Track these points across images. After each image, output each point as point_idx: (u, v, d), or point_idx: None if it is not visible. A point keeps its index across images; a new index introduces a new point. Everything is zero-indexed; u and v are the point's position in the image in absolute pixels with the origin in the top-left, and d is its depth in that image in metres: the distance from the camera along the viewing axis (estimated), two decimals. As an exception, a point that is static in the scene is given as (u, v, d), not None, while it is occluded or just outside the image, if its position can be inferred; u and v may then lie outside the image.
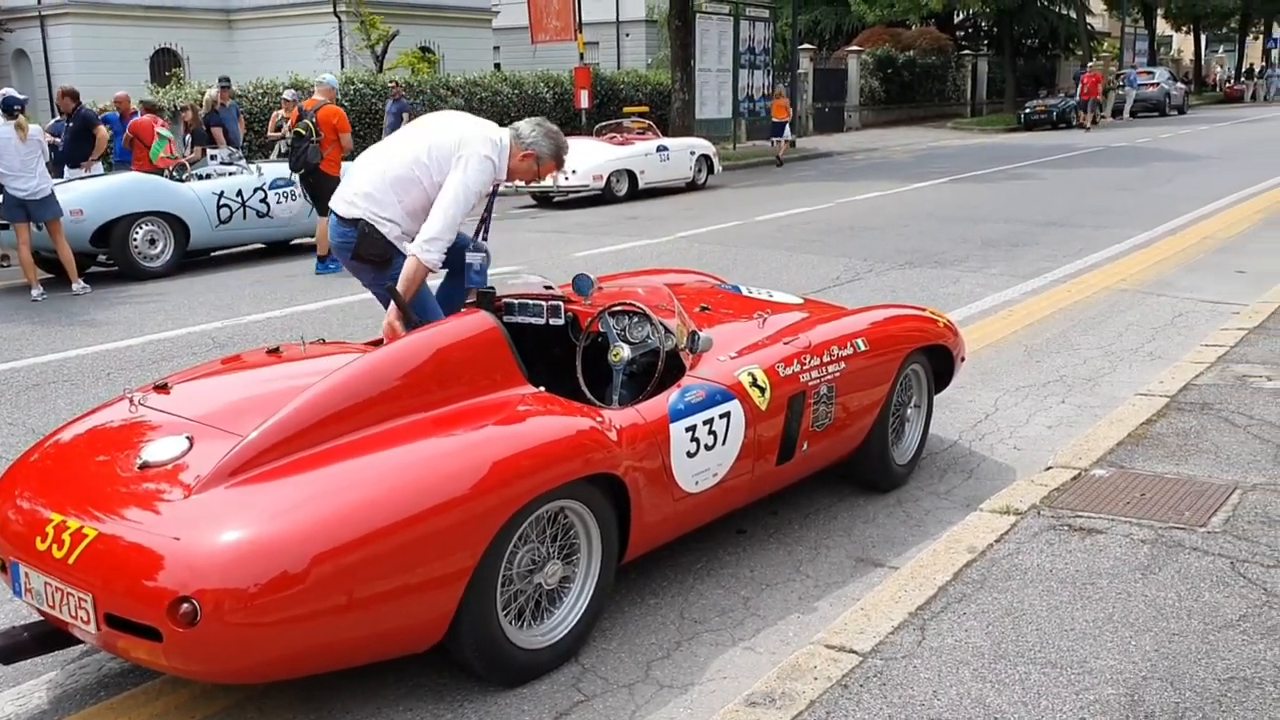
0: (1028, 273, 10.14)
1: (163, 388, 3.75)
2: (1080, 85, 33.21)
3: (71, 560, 3.02)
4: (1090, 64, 34.44)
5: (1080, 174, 19.60)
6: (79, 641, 3.32)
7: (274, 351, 4.13)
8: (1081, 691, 3.08)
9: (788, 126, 24.55)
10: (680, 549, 4.37)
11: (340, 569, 2.98)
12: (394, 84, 17.00)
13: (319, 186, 10.60)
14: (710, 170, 19.26)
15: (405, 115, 16.34)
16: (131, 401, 3.68)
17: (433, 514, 3.13)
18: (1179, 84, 44.34)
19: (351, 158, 10.89)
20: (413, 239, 4.54)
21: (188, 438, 3.34)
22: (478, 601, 3.26)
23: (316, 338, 4.47)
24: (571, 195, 17.23)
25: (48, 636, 3.35)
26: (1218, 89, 56.05)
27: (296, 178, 11.34)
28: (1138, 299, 8.97)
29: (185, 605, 2.81)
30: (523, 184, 4.88)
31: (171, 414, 3.55)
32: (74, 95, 13.08)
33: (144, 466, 3.25)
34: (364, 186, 4.73)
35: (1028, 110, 33.73)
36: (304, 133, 10.69)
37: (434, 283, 4.85)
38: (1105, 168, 20.57)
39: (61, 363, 7.71)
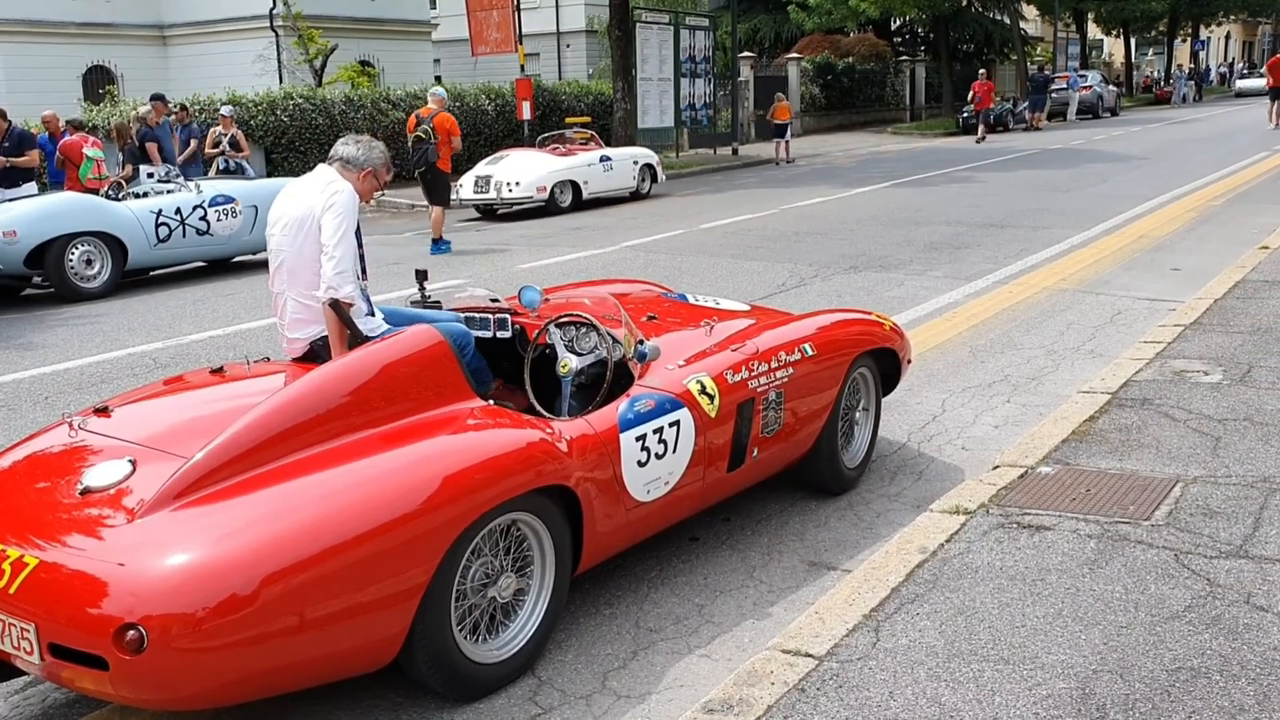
0: (970, 274, 10.27)
1: (103, 411, 3.69)
2: (972, 94, 31.64)
3: (12, 590, 2.96)
4: (980, 72, 33.86)
5: (1018, 176, 19.88)
6: (22, 673, 3.25)
7: (218, 371, 4.08)
8: (1034, 687, 3.12)
9: (788, 128, 25.56)
10: (634, 558, 4.37)
11: (291, 589, 2.94)
12: (180, 110, 15.85)
13: (435, 181, 13.19)
14: (654, 179, 19.29)
15: (193, 140, 15.62)
16: (71, 426, 3.62)
17: (384, 531, 3.11)
18: (1111, 87, 45.19)
19: (460, 162, 15.15)
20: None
21: (130, 461, 3.29)
22: (431, 617, 3.24)
23: (261, 356, 4.42)
24: (515, 207, 17.18)
25: (-10, 668, 3.27)
26: (1152, 91, 57.13)
27: (415, 173, 13.45)
28: (1077, 298, 9.11)
29: (131, 632, 2.76)
30: (371, 203, 4.87)
31: (113, 437, 3.49)
32: (3, 114, 12.81)
33: (86, 492, 3.20)
34: (289, 314, 4.68)
35: (965, 114, 34.14)
36: (423, 136, 12.96)
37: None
38: (1042, 169, 20.87)
39: (-3, 388, 7.55)
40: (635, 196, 18.79)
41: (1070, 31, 56.55)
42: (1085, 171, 20.07)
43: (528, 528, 3.58)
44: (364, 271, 4.86)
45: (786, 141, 25.52)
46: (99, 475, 3.25)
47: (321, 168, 4.71)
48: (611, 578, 4.26)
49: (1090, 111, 40.30)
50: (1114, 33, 61.37)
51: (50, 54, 29.72)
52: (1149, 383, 6.07)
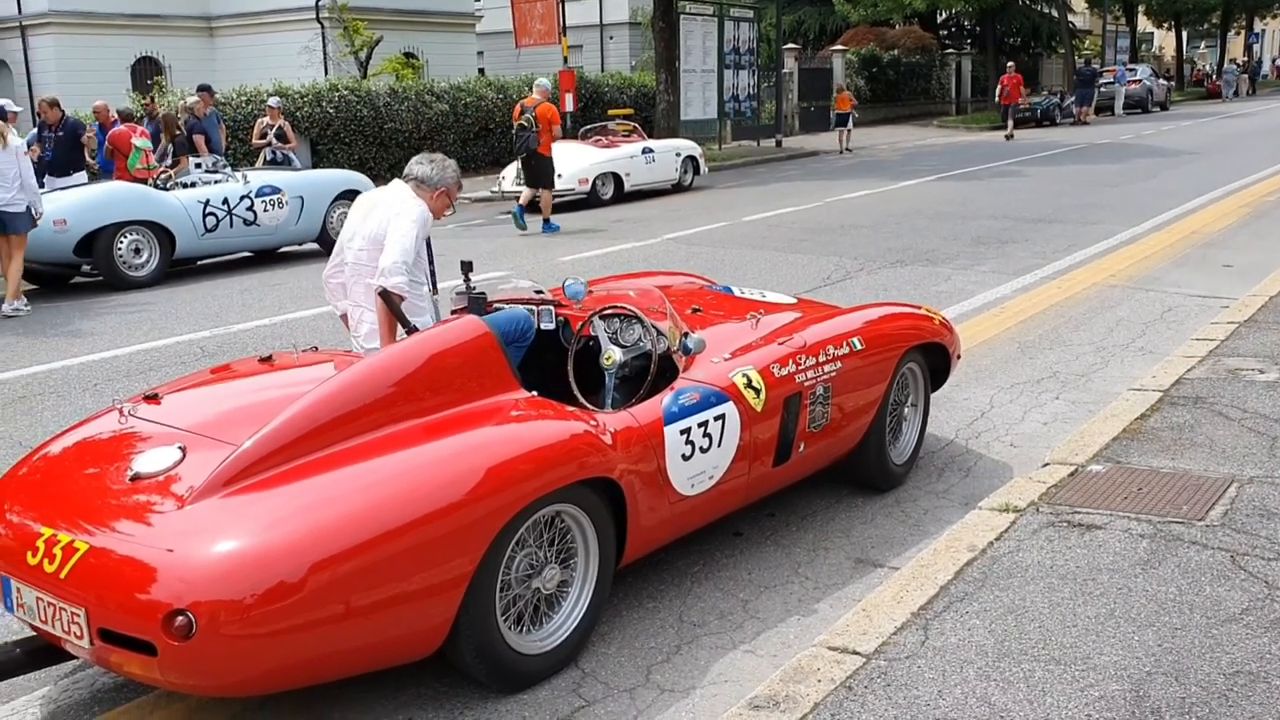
0: (1018, 269, 10.15)
1: (153, 398, 3.72)
2: (1000, 88, 30.36)
3: (63, 575, 2.98)
4: (1009, 65, 32.54)
5: (1066, 171, 19.64)
6: (72, 657, 3.28)
7: (266, 360, 4.10)
8: (1086, 688, 3.07)
9: (850, 117, 26.39)
10: (677, 552, 4.34)
11: (337, 578, 2.95)
12: (149, 101, 15.12)
13: (539, 166, 14.22)
14: (696, 171, 19.21)
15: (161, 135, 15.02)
16: (121, 412, 3.65)
17: (429, 520, 3.11)
18: (1161, 81, 44.49)
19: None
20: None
21: (180, 448, 3.31)
22: (476, 607, 3.24)
23: (309, 345, 4.44)
24: (557, 199, 17.17)
25: (40, 652, 3.31)
26: (1204, 85, 56.12)
27: (519, 159, 14.52)
28: (1127, 294, 8.98)
29: (180, 618, 2.78)
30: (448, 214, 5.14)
31: (163, 424, 3.51)
32: (57, 104, 12.99)
33: (136, 478, 3.22)
34: (364, 326, 4.87)
35: (1019, 107, 33.69)
36: (526, 125, 13.91)
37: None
38: (1090, 164, 20.61)
39: (47, 374, 7.64)
40: (678, 189, 18.73)
41: (1120, 24, 55.73)
42: (1134, 166, 19.79)
43: (571, 519, 3.57)
44: (434, 285, 5.02)
45: (848, 130, 26.24)
46: (149, 462, 3.27)
47: (397, 184, 4.89)
48: (654, 571, 4.24)
49: (1139, 106, 39.71)
50: (1165, 25, 60.45)
51: (101, 45, 30.07)
52: (1202, 381, 5.96)
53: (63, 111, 13.11)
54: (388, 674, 3.36)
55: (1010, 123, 29.51)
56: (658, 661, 3.64)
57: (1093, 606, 3.54)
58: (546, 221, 14.28)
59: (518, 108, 14.38)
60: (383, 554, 3.03)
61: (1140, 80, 40.77)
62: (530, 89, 15.14)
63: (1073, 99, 35.64)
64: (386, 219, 4.70)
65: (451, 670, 3.44)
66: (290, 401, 3.35)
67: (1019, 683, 3.11)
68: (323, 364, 4.01)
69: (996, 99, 31.36)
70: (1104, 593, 3.62)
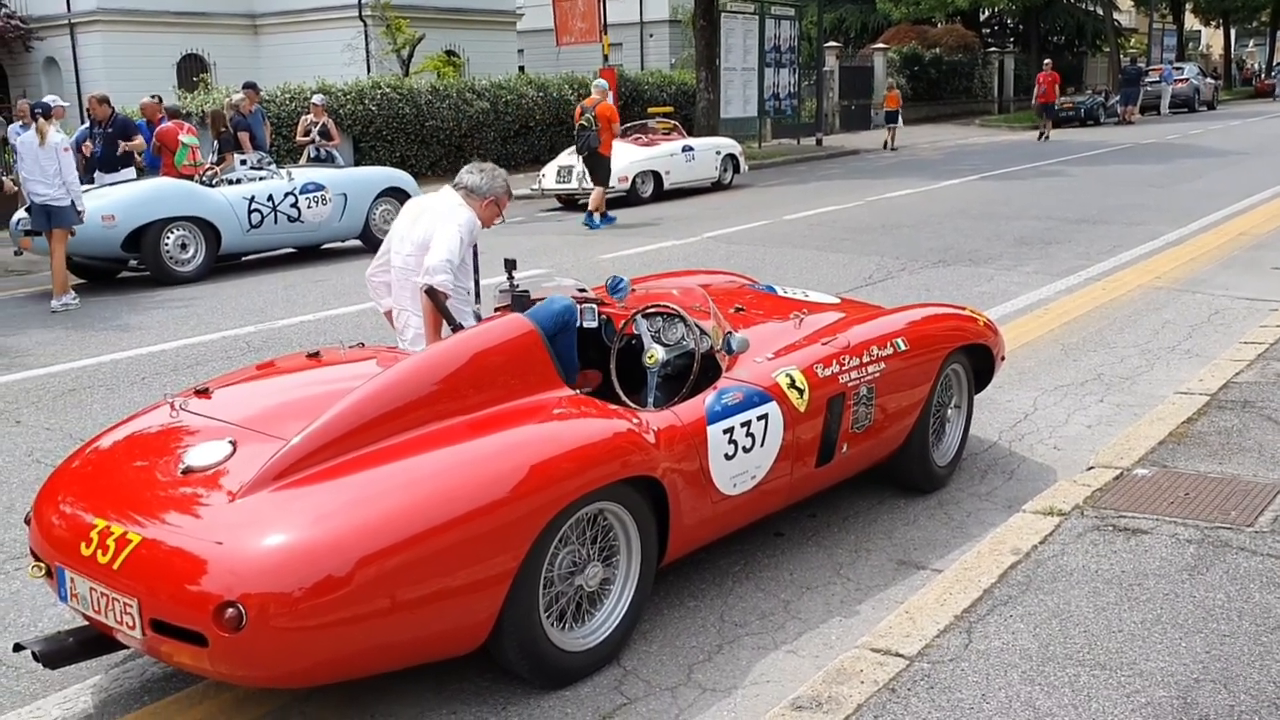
0: (1061, 270, 10.05)
1: (204, 392, 3.77)
2: (1037, 86, 29.81)
3: (116, 565, 3.04)
4: (1045, 62, 31.85)
5: (1110, 171, 19.43)
6: (124, 647, 3.34)
7: (314, 355, 4.14)
8: (1133, 694, 3.05)
9: (898, 115, 26.96)
10: (718, 552, 4.35)
11: (384, 572, 2.98)
12: (154, 99, 14.57)
13: (598, 163, 14.92)
14: (736, 170, 19.17)
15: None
16: (173, 406, 3.70)
17: (475, 517, 3.14)
18: (1208, 79, 43.88)
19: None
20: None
21: (230, 442, 3.35)
22: (520, 604, 3.26)
23: (356, 342, 4.48)
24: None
25: (92, 642, 3.36)
26: (1252, 84, 55.26)
27: (579, 157, 15.32)
28: (1173, 296, 8.87)
29: (230, 610, 2.82)
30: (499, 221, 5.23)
31: (213, 418, 3.56)
32: (106, 101, 13.16)
33: (187, 471, 3.26)
34: (410, 330, 4.98)
35: (1055, 107, 33.38)
36: (586, 125, 14.66)
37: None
38: (1135, 164, 20.36)
39: (96, 368, 7.76)
40: (717, 187, 18.71)
41: (1166, 22, 55.04)
42: (1180, 167, 19.54)
43: (614, 517, 3.58)
44: (477, 295, 5.07)
45: (896, 128, 26.69)
46: (200, 455, 3.31)
47: (447, 190, 4.94)
48: (696, 571, 4.24)
49: (1185, 105, 39.21)
50: (1213, 23, 59.67)
51: (147, 42, 30.48)
52: (1250, 385, 5.88)
53: (112, 108, 13.30)
54: (432, 668, 3.39)
55: (1047, 122, 28.97)
56: (699, 660, 3.65)
57: (1139, 612, 3.51)
58: (591, 215, 14.74)
59: (578, 108, 15.04)
60: (428, 550, 3.06)
61: (1187, 79, 40.27)
62: (590, 89, 15.99)
63: (1117, 98, 35.24)
64: (434, 224, 4.75)
65: (494, 666, 3.46)
66: (338, 398, 3.39)
67: (1064, 687, 3.09)
68: (369, 360, 4.05)
69: (1034, 98, 30.97)
70: (1150, 598, 3.59)
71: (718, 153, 18.85)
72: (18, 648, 3.35)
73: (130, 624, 3.02)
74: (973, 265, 10.49)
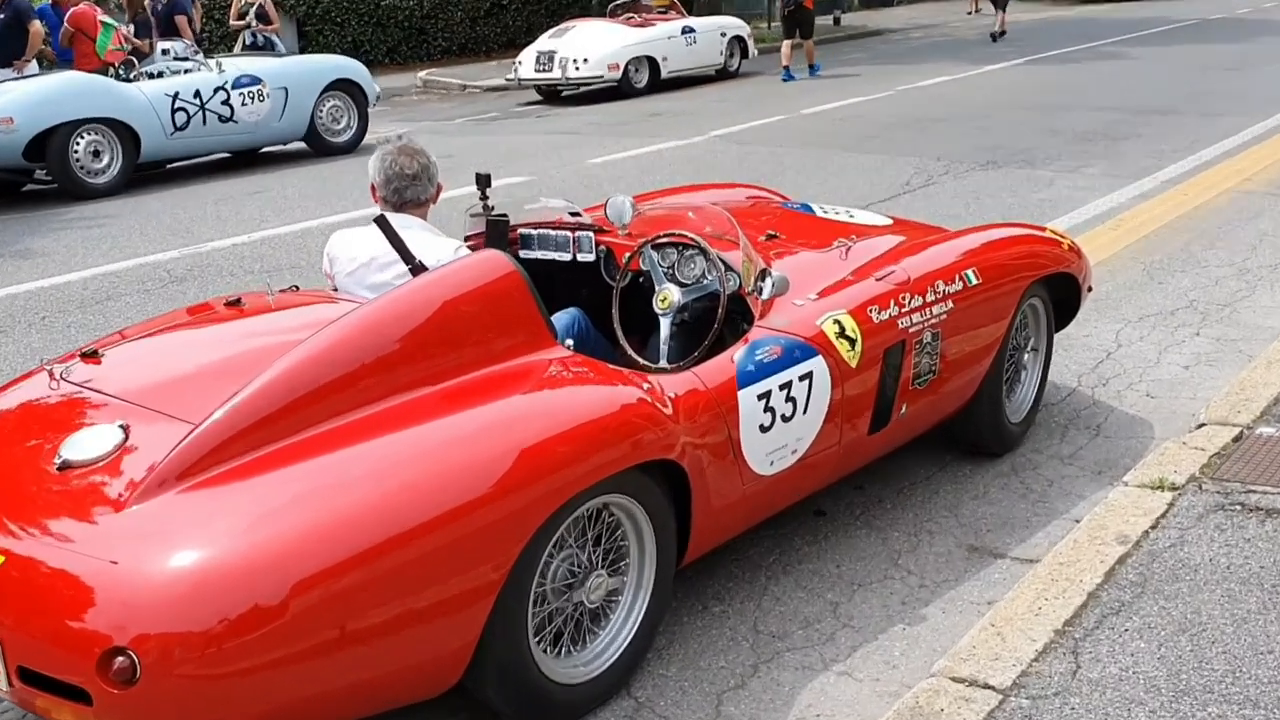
0: (1133, 172, 9.66)
1: (91, 356, 3.33)
2: None
3: (-28, 591, 2.62)
4: None
5: (1176, 52, 19.02)
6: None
7: (234, 304, 3.68)
8: (1299, 744, 2.66)
9: None
10: (747, 540, 3.96)
11: (330, 596, 2.58)
12: None
13: (804, 18, 17.75)
14: (744, 55, 18.81)
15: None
16: (52, 375, 3.27)
17: (447, 521, 2.74)
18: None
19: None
20: None
21: (122, 426, 2.92)
22: (504, 627, 2.88)
23: (289, 285, 4.03)
24: (583, 88, 16.75)
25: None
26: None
27: (783, 13, 18.17)
28: (1269, 202, 8.48)
29: (120, 659, 2.41)
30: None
31: (102, 393, 3.13)
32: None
33: (65, 466, 2.84)
34: None
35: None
36: None
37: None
38: (1204, 44, 19.97)
39: (-11, 304, 7.34)
40: (723, 75, 18.40)
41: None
42: (1257, 46, 19.11)
43: (622, 513, 3.19)
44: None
45: (1002, 12, 21.91)
46: (81, 445, 2.88)
47: (400, 224, 3.68)
48: (721, 566, 3.86)
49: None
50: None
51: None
52: (1384, 315, 5.48)
53: (4, -11, 12.65)
54: (394, 715, 3.00)
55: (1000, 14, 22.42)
56: (730, 687, 3.27)
57: (1290, 624, 3.12)
58: (812, 66, 17.67)
59: None
60: (387, 565, 2.65)
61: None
62: None
63: None
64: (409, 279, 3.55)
65: (474, 703, 3.08)
66: (266, 362, 2.95)
67: (1207, 733, 2.71)
68: (306, 309, 3.60)
69: None
70: (1302, 604, 3.21)
71: (722, 35, 18.45)
72: None
73: (-7, 669, 2.61)
74: (1028, 167, 10.09)
